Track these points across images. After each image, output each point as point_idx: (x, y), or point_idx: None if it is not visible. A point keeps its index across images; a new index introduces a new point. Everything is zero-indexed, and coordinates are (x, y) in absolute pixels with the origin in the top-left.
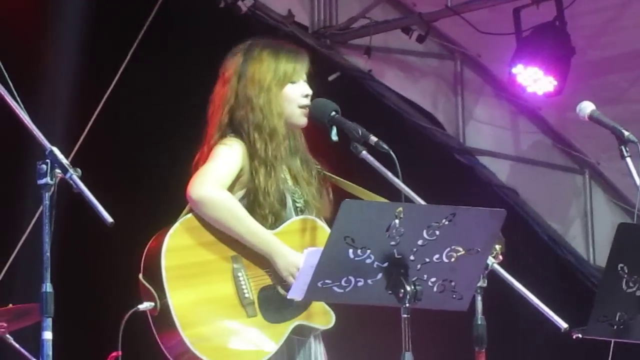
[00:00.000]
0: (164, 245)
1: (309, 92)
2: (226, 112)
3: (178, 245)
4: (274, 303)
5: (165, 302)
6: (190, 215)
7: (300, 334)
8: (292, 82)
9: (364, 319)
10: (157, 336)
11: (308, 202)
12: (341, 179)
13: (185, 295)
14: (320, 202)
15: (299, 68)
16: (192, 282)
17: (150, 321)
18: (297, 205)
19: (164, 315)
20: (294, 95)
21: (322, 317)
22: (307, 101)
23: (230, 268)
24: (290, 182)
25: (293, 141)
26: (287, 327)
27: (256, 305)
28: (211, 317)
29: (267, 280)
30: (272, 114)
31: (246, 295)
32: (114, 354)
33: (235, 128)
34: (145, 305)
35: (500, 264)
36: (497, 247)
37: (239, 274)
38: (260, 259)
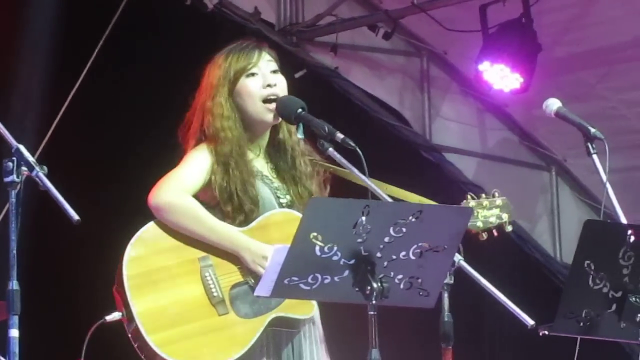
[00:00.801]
0: (125, 255)
1: (272, 81)
2: (196, 120)
3: (139, 253)
4: (247, 299)
5: (130, 311)
6: (152, 222)
7: (287, 326)
8: (248, 76)
9: (330, 316)
10: (134, 346)
11: (293, 199)
12: (340, 168)
13: (149, 301)
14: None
15: (252, 59)
16: (157, 287)
17: (127, 332)
18: (282, 201)
19: (131, 324)
20: (251, 88)
21: (300, 307)
22: (269, 91)
23: (198, 269)
24: (275, 179)
25: (283, 141)
26: (263, 321)
27: (227, 302)
28: (179, 320)
29: (239, 277)
30: (217, 116)
31: (214, 294)
32: None
33: (203, 132)
34: (112, 316)
35: (466, 260)
36: (505, 215)
37: (207, 274)
38: (230, 257)
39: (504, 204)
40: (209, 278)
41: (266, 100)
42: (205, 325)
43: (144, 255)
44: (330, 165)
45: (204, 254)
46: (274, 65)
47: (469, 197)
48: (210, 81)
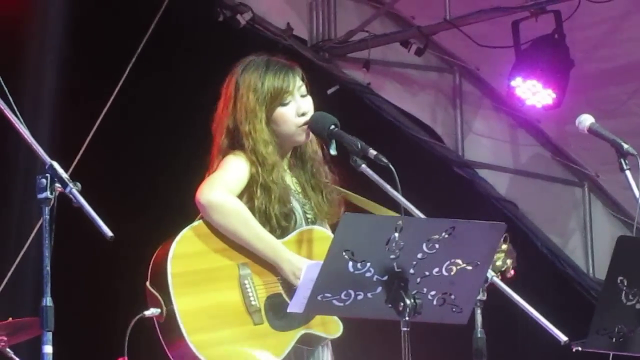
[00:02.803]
0: (170, 252)
1: (305, 109)
2: (224, 134)
3: (185, 251)
4: (281, 311)
5: (171, 308)
6: (198, 222)
7: (309, 344)
8: (284, 105)
9: (363, 332)
10: (163, 343)
11: (317, 212)
12: (351, 193)
13: (191, 301)
14: (331, 207)
15: (289, 87)
16: (198, 288)
17: (157, 328)
18: (308, 216)
19: (169, 322)
20: (287, 117)
21: (329, 326)
22: (304, 119)
23: (237, 275)
24: (300, 194)
25: (302, 153)
26: (294, 336)
27: (263, 313)
28: (217, 324)
29: (275, 288)
30: (258, 142)
31: (252, 302)
32: (120, 359)
33: (233, 147)
34: (151, 312)
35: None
36: (509, 261)
37: (246, 282)
38: (269, 267)
39: (508, 249)
40: (247, 286)
41: (300, 126)
42: (241, 333)
43: (189, 254)
44: (342, 190)
45: (243, 260)
46: (304, 89)
47: None
48: (245, 104)
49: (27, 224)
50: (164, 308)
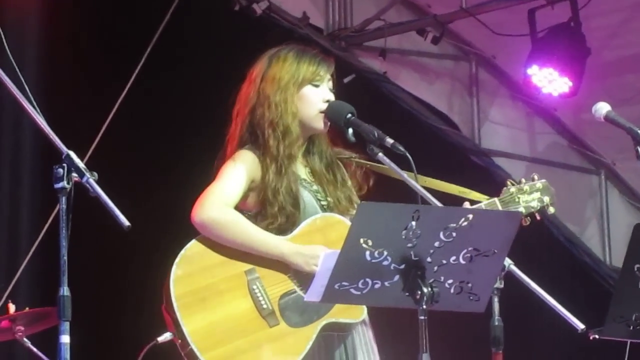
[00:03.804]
0: (171, 275)
1: (331, 97)
2: (248, 111)
3: (185, 272)
4: (296, 308)
5: (181, 331)
6: (194, 240)
7: (339, 330)
8: (314, 85)
9: (380, 320)
10: None
11: (334, 202)
12: (377, 164)
13: (199, 319)
14: (350, 204)
15: (322, 72)
16: (205, 305)
17: (179, 351)
18: (322, 203)
19: (184, 344)
20: (314, 98)
21: (350, 311)
22: (325, 107)
23: (245, 282)
24: (313, 182)
25: (317, 146)
26: (315, 329)
27: (277, 313)
28: (230, 336)
29: (287, 286)
30: (287, 112)
31: (264, 306)
32: None
33: (253, 129)
34: (164, 337)
35: (516, 264)
36: (546, 198)
37: (254, 287)
38: (277, 266)
39: (544, 187)
40: (257, 290)
41: (322, 111)
42: (258, 339)
43: (190, 273)
44: (367, 162)
45: (249, 266)
46: (331, 84)
47: (509, 183)
48: (279, 77)
49: (42, 214)
50: (176, 330)
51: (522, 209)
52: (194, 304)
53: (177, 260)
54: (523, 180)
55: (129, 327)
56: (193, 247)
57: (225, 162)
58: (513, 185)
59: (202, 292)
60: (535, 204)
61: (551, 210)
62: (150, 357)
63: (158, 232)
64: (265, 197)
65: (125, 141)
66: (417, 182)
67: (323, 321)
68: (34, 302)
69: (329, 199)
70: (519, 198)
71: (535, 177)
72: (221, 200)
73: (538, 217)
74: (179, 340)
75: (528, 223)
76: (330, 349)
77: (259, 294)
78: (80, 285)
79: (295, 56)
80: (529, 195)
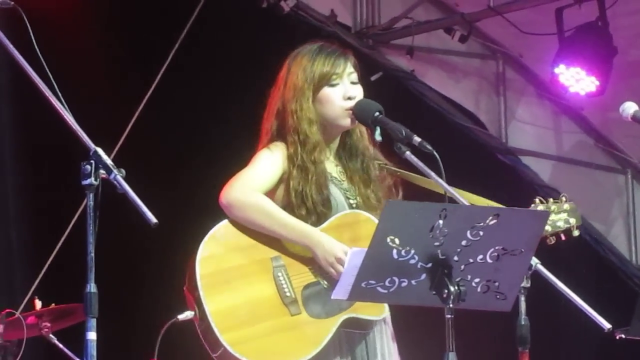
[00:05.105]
0: (198, 254)
1: (352, 94)
2: (274, 117)
3: (212, 252)
4: (319, 299)
5: (202, 310)
6: (225, 221)
7: (359, 327)
8: (331, 85)
9: (407, 318)
10: (205, 344)
11: (363, 201)
12: (408, 172)
13: (222, 300)
14: (380, 203)
15: (338, 71)
16: (229, 286)
17: (198, 330)
18: (351, 202)
19: (204, 323)
20: (333, 98)
21: (372, 308)
22: (349, 104)
23: (270, 268)
24: (344, 181)
25: (354, 141)
26: (335, 322)
27: (300, 302)
28: (252, 319)
29: (311, 277)
30: (303, 119)
31: (287, 294)
32: None
33: (280, 132)
34: (185, 315)
35: (542, 264)
36: (572, 220)
37: (279, 274)
38: (303, 256)
39: (571, 209)
40: (281, 278)
41: (345, 109)
42: (278, 325)
43: (217, 254)
44: (398, 169)
45: (276, 253)
46: (354, 77)
47: (537, 201)
48: (294, 82)
49: (69, 210)
50: (197, 310)
51: (548, 228)
52: (218, 285)
53: (205, 239)
54: (551, 200)
55: (153, 321)
56: (222, 228)
57: (259, 150)
58: (542, 203)
59: (227, 274)
60: (561, 224)
61: (576, 233)
62: (171, 336)
63: (182, 228)
64: (295, 201)
65: (151, 137)
66: (444, 181)
67: (344, 315)
68: (60, 298)
69: (358, 198)
70: None
71: (564, 198)
72: (250, 184)
73: (563, 238)
74: (200, 319)
75: (552, 242)
76: (351, 344)
77: (283, 282)
78: (103, 281)
79: (310, 58)
80: (556, 215)
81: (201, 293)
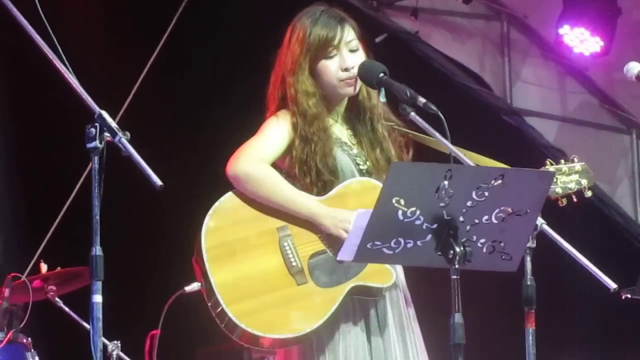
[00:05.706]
0: (203, 226)
1: (349, 64)
2: (279, 84)
3: (218, 224)
4: (326, 268)
5: (209, 282)
6: (231, 193)
7: (368, 295)
8: (328, 58)
9: (412, 280)
10: (213, 315)
11: (373, 166)
12: (417, 133)
13: (228, 272)
14: (388, 164)
15: (334, 42)
16: (235, 258)
17: (206, 301)
18: (361, 168)
19: (211, 296)
20: (329, 71)
21: (379, 275)
22: (346, 74)
23: (277, 239)
24: (354, 146)
25: (357, 102)
26: (342, 290)
27: (306, 272)
28: (258, 290)
29: (318, 246)
30: (300, 92)
31: (293, 263)
32: (153, 332)
33: (284, 100)
34: (192, 287)
35: (547, 224)
36: (584, 181)
37: (285, 244)
38: (309, 226)
39: (583, 170)
40: (287, 248)
41: (342, 79)
42: (285, 295)
43: (223, 226)
44: (408, 131)
45: (282, 223)
46: (354, 44)
47: (548, 162)
48: (292, 53)
49: (74, 173)
50: (204, 282)
51: (559, 190)
52: (224, 257)
53: (210, 212)
54: (562, 161)
55: (159, 282)
56: (227, 200)
57: (267, 119)
58: (552, 165)
59: (233, 245)
60: (572, 186)
61: (588, 193)
62: (179, 306)
63: (189, 192)
64: (299, 169)
65: (155, 102)
66: (449, 142)
67: (351, 283)
68: (66, 261)
69: (368, 162)
70: (557, 178)
71: (575, 159)
72: (257, 155)
73: (575, 199)
74: (206, 291)
75: (564, 204)
76: (365, 311)
77: (289, 252)
78: (109, 244)
79: (307, 28)
80: (567, 177)
81: (207, 265)
